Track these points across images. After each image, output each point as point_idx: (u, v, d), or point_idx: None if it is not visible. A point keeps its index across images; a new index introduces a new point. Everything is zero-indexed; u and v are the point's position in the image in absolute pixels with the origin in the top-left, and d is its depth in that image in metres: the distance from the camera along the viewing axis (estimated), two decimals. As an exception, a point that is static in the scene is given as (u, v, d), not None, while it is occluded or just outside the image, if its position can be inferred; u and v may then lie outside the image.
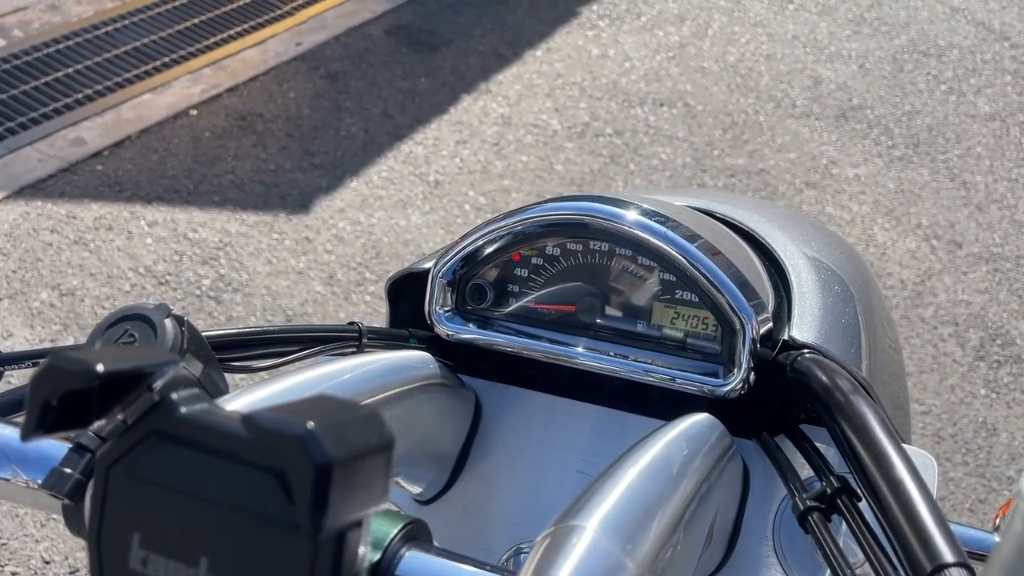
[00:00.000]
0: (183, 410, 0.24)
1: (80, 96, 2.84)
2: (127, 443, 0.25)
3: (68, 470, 0.34)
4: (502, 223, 0.51)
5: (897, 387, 0.62)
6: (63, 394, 0.23)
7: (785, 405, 0.49)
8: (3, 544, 1.67)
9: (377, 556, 0.30)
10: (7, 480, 0.37)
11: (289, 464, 0.22)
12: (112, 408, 0.25)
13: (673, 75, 3.47)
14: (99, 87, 2.89)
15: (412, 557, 0.30)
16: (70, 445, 0.36)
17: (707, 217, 0.55)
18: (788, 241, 0.56)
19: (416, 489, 0.53)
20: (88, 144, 2.66)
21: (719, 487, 0.43)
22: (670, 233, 0.47)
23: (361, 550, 0.24)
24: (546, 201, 0.51)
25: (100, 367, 0.23)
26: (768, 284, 0.52)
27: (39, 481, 0.36)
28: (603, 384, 0.52)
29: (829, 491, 0.42)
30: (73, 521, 0.35)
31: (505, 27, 3.64)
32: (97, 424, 0.25)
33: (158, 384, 0.24)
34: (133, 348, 0.26)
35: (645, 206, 0.49)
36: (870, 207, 2.91)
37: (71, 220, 2.39)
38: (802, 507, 0.42)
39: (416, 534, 0.31)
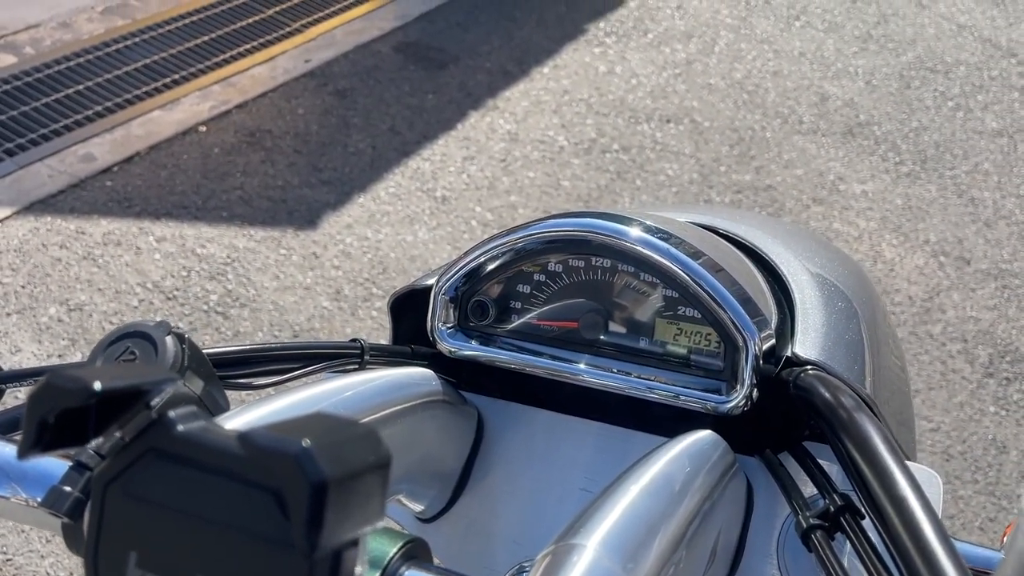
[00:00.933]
0: (180, 428, 0.24)
1: (90, 113, 2.86)
2: (124, 461, 0.25)
3: (67, 488, 0.34)
4: (504, 239, 0.51)
5: (902, 404, 0.62)
6: (60, 412, 0.23)
7: (789, 422, 0.48)
8: (8, 560, 1.67)
9: (376, 575, 0.30)
10: (7, 498, 0.37)
11: (285, 482, 0.22)
12: (110, 426, 0.25)
13: (680, 91, 3.49)
14: (109, 104, 2.91)
15: (414, 572, 0.30)
16: (70, 463, 0.36)
17: (710, 233, 0.55)
18: (792, 257, 0.56)
19: (418, 507, 0.53)
20: (98, 160, 2.68)
21: (722, 505, 0.43)
22: (672, 249, 0.47)
23: (358, 569, 0.24)
24: (548, 218, 0.51)
25: (97, 385, 0.24)
26: (771, 300, 0.52)
27: (39, 499, 0.36)
28: (606, 401, 0.52)
29: (832, 509, 0.42)
30: (73, 539, 0.35)
31: (512, 44, 3.66)
32: (96, 442, 0.25)
33: (156, 402, 0.25)
34: (132, 366, 0.26)
35: (648, 223, 0.49)
36: (877, 223, 2.91)
37: (80, 235, 2.41)
38: (805, 525, 0.42)
39: (416, 553, 0.31)
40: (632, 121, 3.26)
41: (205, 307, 2.26)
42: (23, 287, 2.24)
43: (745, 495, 0.48)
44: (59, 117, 2.82)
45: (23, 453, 0.24)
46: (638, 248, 0.48)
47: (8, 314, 2.16)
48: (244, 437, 0.22)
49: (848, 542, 0.41)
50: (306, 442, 0.22)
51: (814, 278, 0.55)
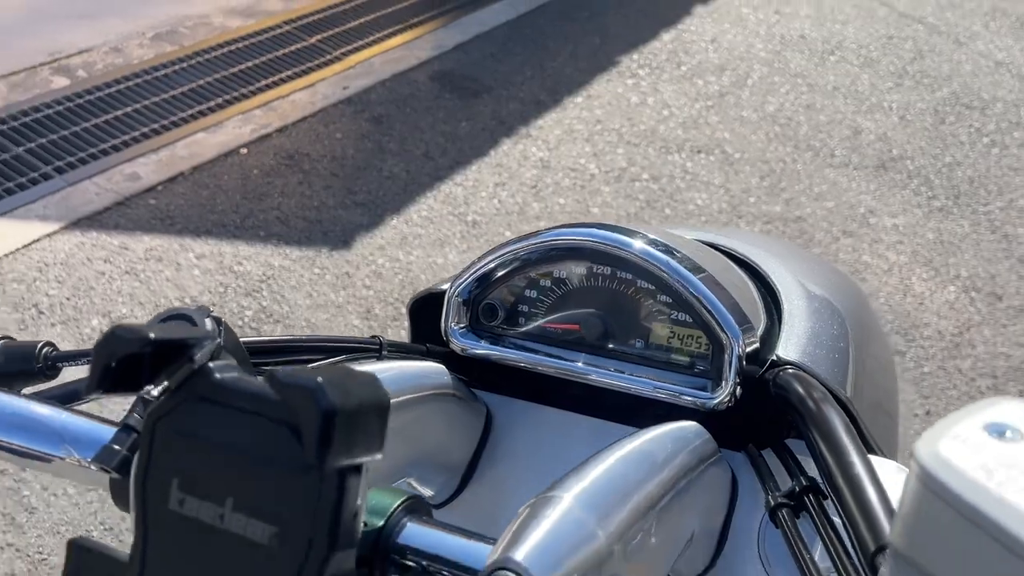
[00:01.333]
0: (217, 376, 0.29)
1: (137, 134, 2.98)
2: (170, 403, 0.29)
3: (116, 447, 0.39)
4: (513, 247, 0.55)
5: (887, 410, 0.64)
6: (121, 358, 0.28)
7: (772, 421, 0.52)
8: (44, 560, 1.73)
9: (380, 522, 0.33)
10: (62, 459, 0.42)
11: (301, 411, 0.26)
12: (160, 375, 0.29)
13: (711, 123, 3.52)
14: (156, 126, 3.03)
15: (412, 527, 0.34)
16: (118, 427, 0.40)
17: (708, 248, 0.58)
18: (786, 272, 0.59)
19: (428, 492, 0.57)
20: (143, 179, 2.78)
21: (701, 488, 0.46)
22: (666, 258, 0.51)
23: (359, 501, 0.28)
24: (555, 227, 0.55)
25: (152, 335, 0.28)
26: (762, 310, 0.55)
27: (89, 459, 0.41)
28: (604, 398, 0.55)
29: (798, 489, 0.45)
30: (119, 494, 0.40)
31: (546, 75, 3.74)
32: (146, 389, 0.29)
33: (198, 355, 0.29)
34: (180, 326, 0.31)
35: (647, 235, 0.53)
36: (908, 257, 2.90)
37: (123, 251, 2.50)
38: (773, 503, 0.45)
39: (416, 507, 0.35)
40: (663, 151, 3.30)
41: (240, 322, 2.33)
42: (68, 299, 2.33)
43: (729, 486, 0.51)
44: (108, 137, 2.93)
45: (88, 391, 0.28)
46: (635, 256, 0.52)
47: (53, 324, 2.24)
48: (270, 375, 0.27)
49: (811, 520, 0.44)
50: (320, 379, 0.26)
51: (806, 292, 0.58)
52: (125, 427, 0.39)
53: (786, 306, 0.56)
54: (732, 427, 0.51)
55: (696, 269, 0.51)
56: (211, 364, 0.29)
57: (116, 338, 0.28)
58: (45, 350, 0.51)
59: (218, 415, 0.28)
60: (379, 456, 0.29)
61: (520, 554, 0.30)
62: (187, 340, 0.29)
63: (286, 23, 3.80)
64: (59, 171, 2.75)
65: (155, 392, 0.29)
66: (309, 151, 3.04)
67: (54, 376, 0.52)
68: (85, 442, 0.41)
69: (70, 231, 2.54)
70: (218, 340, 0.30)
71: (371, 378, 0.28)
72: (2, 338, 0.53)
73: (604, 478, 0.36)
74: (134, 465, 0.30)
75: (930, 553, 0.23)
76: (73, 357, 0.51)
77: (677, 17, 4.45)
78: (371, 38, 3.81)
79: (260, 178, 2.88)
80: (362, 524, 0.31)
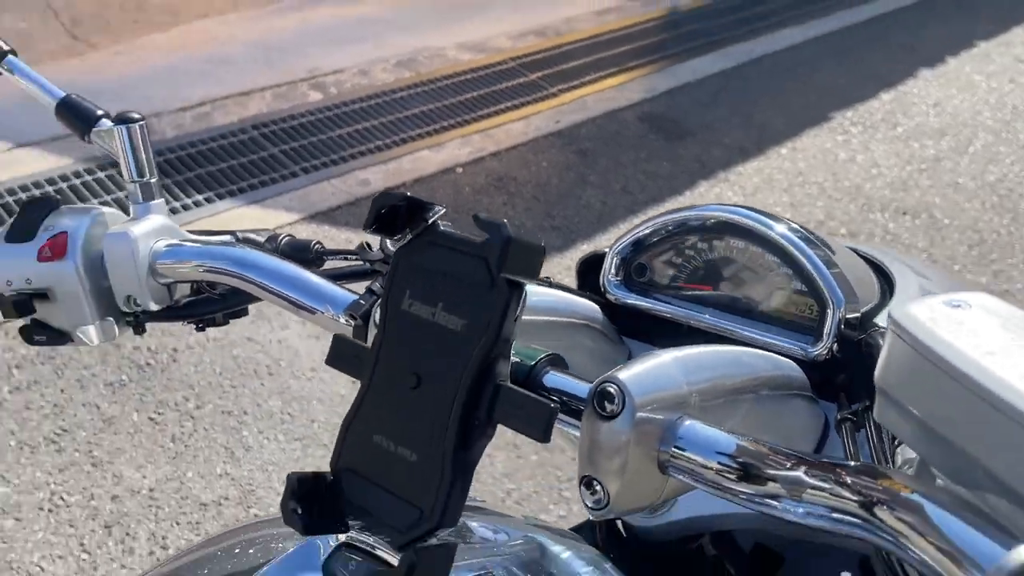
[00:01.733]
0: (441, 228, 0.45)
1: (372, 146, 3.36)
2: (410, 245, 0.46)
3: (362, 302, 0.56)
4: (667, 217, 0.68)
5: None
6: (388, 207, 0.44)
7: (865, 379, 0.60)
8: (252, 491, 2.01)
9: (531, 363, 0.47)
10: (323, 313, 0.60)
11: (489, 241, 0.41)
12: (406, 228, 0.45)
13: (922, 186, 3.42)
14: (388, 140, 3.40)
15: (553, 373, 0.48)
16: (359, 294, 0.57)
17: (846, 248, 0.68)
18: (907, 270, 0.68)
19: None
20: (371, 185, 3.14)
21: (787, 410, 0.56)
22: (794, 237, 0.62)
23: (518, 311, 0.42)
24: (706, 205, 0.67)
25: (408, 194, 0.45)
26: (876, 294, 0.64)
27: (341, 312, 0.58)
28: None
29: (860, 408, 0.54)
30: (358, 336, 0.56)
31: (752, 125, 3.79)
32: (396, 237, 0.46)
33: (429, 215, 0.45)
34: (419, 198, 0.47)
35: (782, 218, 0.64)
36: None
37: (348, 244, 2.83)
38: (839, 418, 0.54)
39: (557, 361, 0.49)
40: (865, 209, 3.25)
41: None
42: (297, 279, 2.68)
43: (820, 428, 0.60)
44: (347, 146, 3.34)
45: (365, 228, 0.45)
46: (769, 233, 0.63)
47: (282, 299, 2.59)
48: (474, 215, 0.42)
49: (865, 434, 0.52)
50: (504, 221, 0.41)
51: (920, 285, 0.66)
52: (368, 291, 0.56)
53: (898, 294, 0.64)
54: (832, 381, 0.61)
55: (820, 253, 0.62)
56: (439, 221, 0.45)
57: (385, 195, 0.44)
58: (316, 246, 0.70)
59: (439, 252, 0.44)
60: (534, 282, 0.43)
61: (622, 375, 0.43)
62: (425, 203, 0.45)
63: (511, 59, 4.12)
64: (304, 171, 3.16)
65: (400, 241, 0.45)
66: (517, 175, 3.29)
67: (320, 265, 0.71)
68: (340, 302, 0.59)
69: (307, 222, 2.92)
70: (444, 208, 0.46)
71: (535, 236, 0.42)
72: (287, 235, 0.73)
73: (700, 355, 0.47)
74: (380, 294, 0.46)
75: (898, 384, 0.34)
76: (333, 253, 0.70)
77: (900, 79, 4.35)
78: (586, 78, 4.04)
79: (471, 195, 3.15)
80: (516, 351, 0.45)
